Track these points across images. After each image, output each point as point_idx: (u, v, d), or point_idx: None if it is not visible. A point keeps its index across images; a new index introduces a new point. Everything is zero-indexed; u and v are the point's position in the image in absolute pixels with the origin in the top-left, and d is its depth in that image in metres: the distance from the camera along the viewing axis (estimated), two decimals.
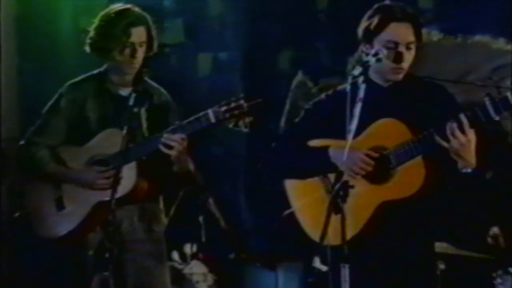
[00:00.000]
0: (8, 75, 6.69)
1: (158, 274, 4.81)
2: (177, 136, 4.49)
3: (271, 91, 6.31)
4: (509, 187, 5.53)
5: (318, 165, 4.27)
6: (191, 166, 4.71)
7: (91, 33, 4.74)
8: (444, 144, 4.03)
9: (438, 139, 4.04)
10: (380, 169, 4.18)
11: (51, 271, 4.99)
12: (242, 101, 4.48)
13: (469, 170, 4.06)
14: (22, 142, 4.86)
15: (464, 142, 4.01)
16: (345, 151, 3.91)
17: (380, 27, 4.18)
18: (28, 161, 4.80)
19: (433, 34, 6.09)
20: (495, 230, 5.29)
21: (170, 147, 4.49)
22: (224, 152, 6.66)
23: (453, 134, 4.01)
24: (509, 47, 5.97)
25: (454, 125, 4.00)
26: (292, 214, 4.35)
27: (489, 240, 5.27)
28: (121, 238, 4.69)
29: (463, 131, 4.00)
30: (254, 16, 6.77)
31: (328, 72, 6.26)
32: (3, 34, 6.60)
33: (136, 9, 4.73)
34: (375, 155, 4.15)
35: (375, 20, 4.19)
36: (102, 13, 4.74)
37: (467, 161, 4.05)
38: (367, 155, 4.16)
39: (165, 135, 4.50)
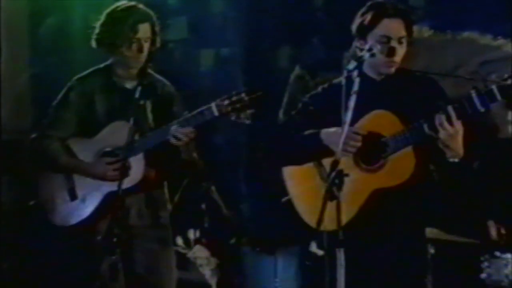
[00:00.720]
0: (19, 69, 6.68)
1: (165, 258, 4.83)
2: (186, 130, 4.51)
3: (270, 85, 6.31)
4: (495, 175, 5.53)
5: (312, 148, 4.28)
6: (195, 155, 4.73)
7: (98, 29, 4.76)
8: (433, 134, 4.04)
9: (427, 129, 4.05)
10: (373, 157, 4.20)
11: (62, 256, 4.99)
12: (243, 94, 4.51)
13: (456, 160, 4.07)
14: (34, 135, 4.86)
15: (452, 132, 4.03)
16: (338, 131, 3.94)
17: (373, 23, 4.21)
18: (41, 154, 4.81)
19: (424, 31, 6.09)
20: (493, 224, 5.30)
21: (179, 139, 4.51)
22: (225, 142, 6.67)
23: (441, 125, 4.03)
24: (496, 43, 5.97)
25: (442, 116, 4.02)
26: (289, 201, 4.36)
27: (492, 233, 5.27)
28: (129, 224, 4.70)
29: (450, 123, 4.02)
30: (254, 14, 6.77)
31: (324, 66, 6.26)
32: (14, 31, 6.60)
33: (141, 6, 4.75)
34: (364, 133, 4.16)
35: (368, 17, 4.22)
36: (108, 10, 4.76)
37: (455, 151, 4.07)
38: (357, 133, 4.17)
39: (174, 128, 4.51)
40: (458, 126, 4.03)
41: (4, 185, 6.28)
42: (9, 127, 6.38)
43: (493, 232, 5.24)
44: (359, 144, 4.16)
